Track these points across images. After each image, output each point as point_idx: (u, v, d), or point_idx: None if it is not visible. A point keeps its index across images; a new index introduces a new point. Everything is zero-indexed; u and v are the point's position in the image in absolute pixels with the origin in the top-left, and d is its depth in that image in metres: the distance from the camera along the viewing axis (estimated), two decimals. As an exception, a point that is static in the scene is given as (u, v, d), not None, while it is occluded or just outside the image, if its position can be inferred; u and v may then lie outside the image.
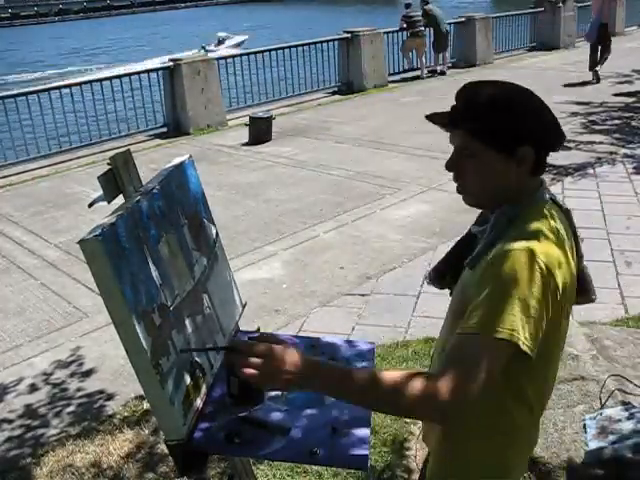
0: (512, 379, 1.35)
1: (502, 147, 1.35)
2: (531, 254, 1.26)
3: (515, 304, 1.23)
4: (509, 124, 1.34)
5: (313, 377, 1.25)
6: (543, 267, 1.26)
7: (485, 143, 1.35)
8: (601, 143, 7.83)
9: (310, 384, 1.26)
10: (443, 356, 1.32)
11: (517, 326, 1.23)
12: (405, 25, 12.81)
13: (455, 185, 1.44)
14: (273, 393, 1.62)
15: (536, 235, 1.31)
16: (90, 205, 1.45)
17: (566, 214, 1.45)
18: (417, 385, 1.21)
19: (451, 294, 1.54)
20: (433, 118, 1.40)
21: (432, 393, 1.20)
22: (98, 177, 1.45)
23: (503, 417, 1.41)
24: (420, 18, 12.77)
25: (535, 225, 1.33)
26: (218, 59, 10.10)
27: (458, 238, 1.59)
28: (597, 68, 11.44)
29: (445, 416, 1.24)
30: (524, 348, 1.23)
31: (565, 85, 11.26)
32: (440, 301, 1.93)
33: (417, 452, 2.80)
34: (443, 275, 1.60)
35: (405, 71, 13.16)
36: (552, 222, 1.36)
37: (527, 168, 1.36)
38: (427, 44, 12.99)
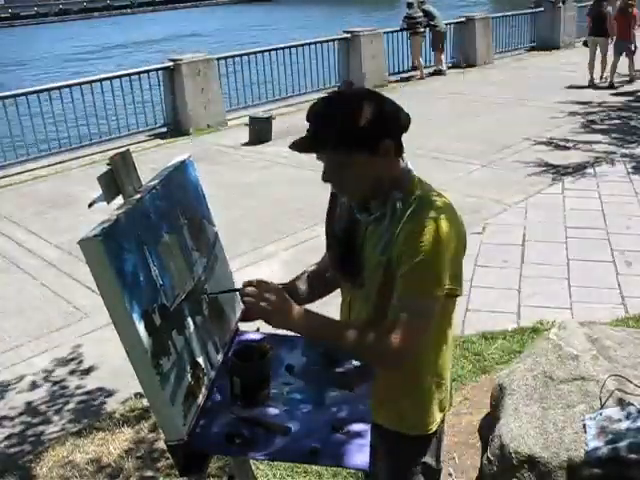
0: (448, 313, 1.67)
1: (366, 149, 1.51)
2: (443, 221, 1.50)
3: (443, 264, 1.50)
4: (364, 128, 1.48)
5: (300, 319, 1.57)
6: (453, 227, 1.52)
7: (350, 152, 1.51)
8: (600, 143, 7.83)
9: (295, 325, 1.57)
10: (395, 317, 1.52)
11: (450, 280, 1.52)
12: (406, 25, 12.79)
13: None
14: (274, 393, 1.62)
15: (436, 206, 1.54)
16: (90, 205, 1.44)
17: None
18: (377, 342, 1.52)
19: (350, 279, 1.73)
20: (294, 147, 1.56)
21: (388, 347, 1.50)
22: (98, 177, 1.44)
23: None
24: (423, 19, 12.77)
25: (429, 199, 1.56)
26: (218, 59, 10.09)
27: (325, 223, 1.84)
28: None
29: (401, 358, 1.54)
30: (458, 292, 1.58)
31: (564, 85, 11.26)
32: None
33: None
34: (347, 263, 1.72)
35: (405, 71, 13.15)
36: (433, 190, 1.61)
37: (391, 155, 1.55)
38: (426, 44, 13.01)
